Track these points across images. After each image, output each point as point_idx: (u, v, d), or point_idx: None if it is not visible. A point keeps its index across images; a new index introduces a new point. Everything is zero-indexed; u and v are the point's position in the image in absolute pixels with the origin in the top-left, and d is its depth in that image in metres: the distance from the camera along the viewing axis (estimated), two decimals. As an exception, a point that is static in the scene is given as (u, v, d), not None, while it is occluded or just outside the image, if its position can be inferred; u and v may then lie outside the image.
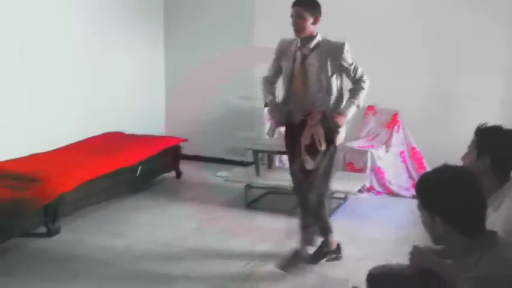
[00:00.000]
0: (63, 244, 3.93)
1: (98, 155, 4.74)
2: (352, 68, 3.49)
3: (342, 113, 3.47)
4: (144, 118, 6.28)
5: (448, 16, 5.41)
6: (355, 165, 5.42)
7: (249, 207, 4.82)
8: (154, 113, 6.59)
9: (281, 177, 4.62)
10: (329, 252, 3.71)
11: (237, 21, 6.16)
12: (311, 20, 3.42)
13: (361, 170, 5.33)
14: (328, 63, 3.44)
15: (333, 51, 3.46)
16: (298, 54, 3.52)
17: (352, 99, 3.51)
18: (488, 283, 1.57)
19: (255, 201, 4.87)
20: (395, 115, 5.63)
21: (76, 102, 5.29)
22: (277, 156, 5.47)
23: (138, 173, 5.04)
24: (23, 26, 4.65)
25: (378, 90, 5.68)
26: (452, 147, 3.07)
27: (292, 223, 3.84)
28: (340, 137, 3.57)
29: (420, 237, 2.51)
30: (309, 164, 3.48)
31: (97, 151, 4.87)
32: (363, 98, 3.54)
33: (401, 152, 5.51)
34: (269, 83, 3.70)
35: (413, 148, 5.52)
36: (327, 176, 3.60)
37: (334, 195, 4.86)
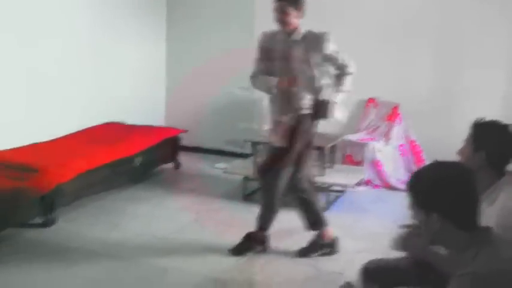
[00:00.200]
0: (60, 235, 3.93)
1: (96, 145, 4.73)
2: (335, 55, 3.47)
3: (329, 101, 3.48)
4: (145, 109, 6.27)
5: (450, 9, 5.37)
6: (354, 158, 5.40)
7: (246, 199, 4.81)
8: (155, 103, 6.57)
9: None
10: (323, 245, 3.70)
11: (238, 13, 6.12)
12: (295, 13, 3.42)
13: (360, 163, 5.31)
14: (313, 54, 3.44)
15: (316, 41, 3.45)
16: (283, 47, 3.51)
17: (338, 86, 3.51)
18: (485, 279, 1.56)
19: (252, 193, 4.86)
20: (395, 108, 5.60)
21: (76, 92, 5.28)
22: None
23: (136, 164, 5.03)
24: (24, 16, 4.62)
25: (379, 83, 5.71)
26: (452, 141, 3.04)
27: (290, 216, 3.84)
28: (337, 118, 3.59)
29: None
30: (277, 140, 3.53)
31: (96, 141, 4.86)
32: (349, 84, 3.53)
33: (401, 145, 5.49)
34: (258, 76, 3.67)
35: (412, 141, 5.50)
36: (296, 159, 3.57)
37: (332, 187, 4.87)
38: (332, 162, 5.09)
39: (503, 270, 1.57)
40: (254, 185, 4.77)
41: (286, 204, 3.76)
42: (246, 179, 4.88)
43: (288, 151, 3.52)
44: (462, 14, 5.32)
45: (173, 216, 4.41)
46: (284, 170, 3.54)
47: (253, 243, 3.69)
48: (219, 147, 6.40)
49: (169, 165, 5.75)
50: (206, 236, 3.98)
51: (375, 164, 5.31)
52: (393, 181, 5.28)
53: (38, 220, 4.03)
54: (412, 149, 5.49)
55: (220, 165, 5.79)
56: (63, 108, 5.10)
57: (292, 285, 3.28)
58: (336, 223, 4.00)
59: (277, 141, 3.55)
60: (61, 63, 5.07)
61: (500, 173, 2.15)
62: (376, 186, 5.32)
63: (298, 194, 3.71)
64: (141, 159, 5.06)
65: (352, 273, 2.67)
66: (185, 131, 5.78)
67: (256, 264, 3.56)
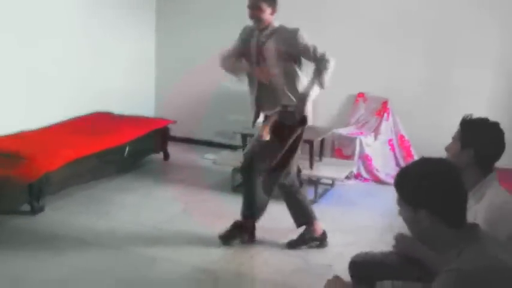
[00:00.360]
0: (47, 223, 3.91)
1: (85, 134, 4.71)
2: (310, 49, 3.44)
3: (303, 96, 3.47)
4: (134, 99, 6.23)
5: (443, 7, 5.37)
6: (343, 151, 5.43)
7: (235, 190, 4.81)
8: (144, 94, 6.55)
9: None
10: (312, 239, 3.73)
11: (228, 5, 6.09)
12: (269, 10, 3.44)
13: (350, 157, 5.34)
14: (286, 49, 3.44)
15: (288, 36, 3.45)
16: (256, 42, 3.54)
17: (315, 80, 3.48)
18: (470, 275, 1.56)
19: (241, 184, 4.84)
20: (385, 103, 5.62)
21: (65, 81, 5.23)
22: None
23: (125, 154, 5.02)
24: (18, 6, 4.58)
25: (369, 78, 5.73)
26: (441, 137, 3.06)
27: (280, 208, 3.85)
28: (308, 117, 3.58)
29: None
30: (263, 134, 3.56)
31: (85, 131, 4.84)
32: (327, 79, 3.48)
33: (390, 140, 5.52)
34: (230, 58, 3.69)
35: (401, 136, 5.54)
36: (277, 153, 3.57)
37: (321, 181, 4.89)
38: (321, 155, 5.11)
39: (489, 266, 1.58)
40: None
41: (277, 197, 3.77)
42: (235, 170, 4.87)
43: (272, 146, 3.55)
44: (454, 13, 5.34)
45: (162, 206, 4.40)
46: (263, 162, 3.54)
47: (240, 231, 3.71)
48: (208, 139, 6.40)
49: (159, 156, 5.74)
50: (195, 226, 3.98)
51: (364, 158, 5.34)
52: (382, 175, 5.31)
53: (26, 208, 4.01)
54: (401, 144, 5.53)
55: (210, 156, 5.79)
56: (50, 98, 5.06)
57: (281, 276, 3.29)
58: (324, 216, 4.02)
59: (262, 135, 3.57)
60: (49, 54, 5.02)
61: (487, 170, 2.16)
62: (365, 180, 5.35)
63: (285, 189, 3.73)
64: (130, 149, 5.05)
65: (341, 266, 2.70)
66: (174, 122, 5.77)
67: (245, 255, 3.57)
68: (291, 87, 3.53)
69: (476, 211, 2.03)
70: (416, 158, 5.35)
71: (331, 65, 3.45)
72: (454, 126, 2.26)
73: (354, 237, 3.91)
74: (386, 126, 5.55)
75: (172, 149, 5.88)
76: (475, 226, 1.76)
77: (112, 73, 5.86)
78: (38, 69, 4.88)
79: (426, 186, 1.70)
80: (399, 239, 2.31)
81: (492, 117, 2.20)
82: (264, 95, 3.62)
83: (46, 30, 4.95)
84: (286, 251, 3.66)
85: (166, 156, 5.79)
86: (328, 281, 2.05)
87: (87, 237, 3.70)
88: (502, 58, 5.25)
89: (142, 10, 6.36)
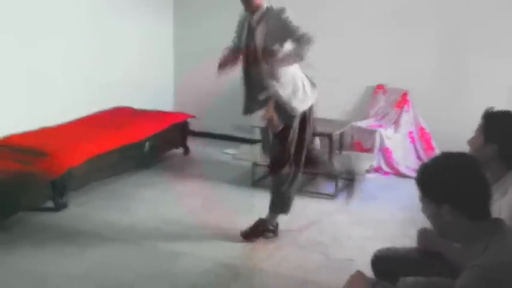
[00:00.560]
0: (70, 219, 3.97)
1: (106, 130, 4.75)
2: (294, 28, 3.38)
3: (276, 60, 3.42)
4: (153, 94, 6.25)
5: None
6: (363, 144, 5.39)
7: (255, 185, 4.82)
8: (163, 89, 6.56)
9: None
10: (268, 230, 3.74)
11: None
12: None
13: (369, 150, 5.30)
14: (275, 31, 3.41)
15: (276, 17, 3.42)
16: (248, 27, 3.54)
17: (293, 51, 3.41)
18: (496, 270, 1.56)
19: (261, 179, 4.87)
20: (405, 94, 5.56)
21: (86, 76, 5.27)
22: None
23: (146, 149, 5.05)
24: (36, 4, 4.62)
25: (388, 69, 5.68)
26: (461, 128, 3.03)
27: (300, 201, 3.85)
28: (296, 107, 3.55)
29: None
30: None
31: (105, 126, 4.88)
32: (304, 51, 3.40)
33: (410, 132, 5.47)
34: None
35: (422, 128, 5.48)
36: (280, 145, 3.59)
37: (341, 175, 4.87)
38: (341, 149, 5.08)
39: (514, 262, 1.58)
40: (262, 170, 4.78)
41: (300, 193, 3.76)
42: (255, 164, 4.88)
43: (280, 141, 3.57)
44: (469, 4, 5.25)
45: (182, 201, 4.43)
46: (285, 165, 3.58)
47: (263, 228, 3.72)
48: (228, 133, 6.40)
49: (178, 151, 5.77)
50: (215, 221, 4.00)
51: (385, 151, 5.30)
52: (403, 168, 5.27)
53: (50, 204, 4.07)
54: (421, 136, 5.47)
55: (229, 151, 5.80)
56: (73, 92, 5.11)
57: (302, 272, 3.29)
58: (344, 210, 4.02)
59: (271, 118, 3.56)
60: (70, 50, 5.07)
61: (511, 164, 2.13)
62: (385, 173, 5.31)
63: (278, 179, 3.70)
64: (150, 144, 5.08)
65: (362, 261, 2.69)
66: (193, 117, 5.78)
67: (266, 251, 3.58)
68: (276, 71, 3.47)
69: (501, 206, 2.01)
70: (437, 150, 5.30)
71: (310, 40, 3.38)
72: (474, 116, 2.23)
73: (374, 231, 3.89)
74: (406, 118, 5.49)
75: (192, 143, 5.90)
76: (499, 220, 1.75)
77: (132, 67, 5.89)
78: (55, 66, 4.92)
79: (447, 180, 1.70)
80: (422, 234, 2.30)
81: (512, 107, 2.16)
82: (253, 78, 3.60)
83: (67, 25, 4.99)
84: (306, 246, 3.66)
85: (186, 151, 5.82)
86: (351, 276, 2.04)
87: (108, 233, 3.75)
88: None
89: (160, 3, 6.36)
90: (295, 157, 3.64)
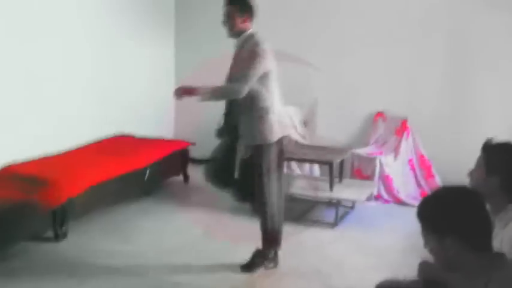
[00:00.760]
0: (70, 249, 3.95)
1: (107, 158, 4.74)
2: (249, 65, 3.32)
3: (203, 90, 3.41)
4: (153, 121, 6.30)
5: (461, 22, 5.36)
6: (363, 172, 5.40)
7: (255, 212, 4.80)
8: (164, 115, 6.60)
9: (289, 183, 4.61)
10: (267, 260, 3.70)
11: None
12: (240, 18, 3.43)
13: (369, 177, 5.30)
14: (243, 59, 3.40)
15: (247, 48, 3.40)
16: (235, 51, 3.55)
17: (215, 88, 3.43)
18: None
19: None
20: (404, 122, 5.59)
21: (87, 104, 5.30)
22: (285, 163, 5.44)
23: (146, 177, 5.05)
24: (41, 24, 4.67)
25: (388, 96, 5.72)
26: (461, 156, 3.04)
27: (299, 230, 3.84)
28: (266, 136, 3.50)
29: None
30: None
31: (106, 154, 4.88)
32: (221, 92, 3.45)
33: (410, 160, 5.48)
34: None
35: (422, 156, 5.49)
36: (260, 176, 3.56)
37: (341, 202, 4.86)
38: (341, 176, 5.08)
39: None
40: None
41: (299, 221, 3.76)
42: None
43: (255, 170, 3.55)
44: (473, 28, 5.32)
45: (183, 230, 4.41)
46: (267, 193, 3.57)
47: (263, 259, 3.69)
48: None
49: (179, 178, 5.76)
50: (216, 250, 3.99)
51: (385, 179, 5.30)
52: (403, 196, 5.26)
53: (50, 233, 4.05)
54: (421, 164, 5.48)
55: (229, 178, 5.78)
56: (74, 120, 5.12)
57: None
58: (345, 238, 4.00)
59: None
60: (69, 75, 5.09)
61: (512, 195, 2.13)
62: (386, 201, 5.30)
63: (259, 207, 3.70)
64: (151, 171, 5.09)
65: (363, 292, 2.67)
66: (193, 144, 5.80)
67: (267, 281, 3.56)
68: (251, 102, 3.42)
69: (502, 238, 2.01)
70: (437, 178, 5.30)
71: (234, 87, 3.37)
72: (474, 145, 2.23)
73: (375, 260, 3.87)
74: (406, 145, 5.51)
75: (192, 171, 5.90)
76: (501, 255, 1.75)
77: (132, 95, 5.92)
78: (56, 92, 4.93)
79: (450, 213, 1.71)
80: (424, 266, 2.29)
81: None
82: (230, 106, 3.61)
83: (65, 54, 5.02)
84: (307, 276, 3.64)
85: (186, 178, 5.82)
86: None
87: (109, 264, 3.72)
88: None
89: (161, 29, 6.43)
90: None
